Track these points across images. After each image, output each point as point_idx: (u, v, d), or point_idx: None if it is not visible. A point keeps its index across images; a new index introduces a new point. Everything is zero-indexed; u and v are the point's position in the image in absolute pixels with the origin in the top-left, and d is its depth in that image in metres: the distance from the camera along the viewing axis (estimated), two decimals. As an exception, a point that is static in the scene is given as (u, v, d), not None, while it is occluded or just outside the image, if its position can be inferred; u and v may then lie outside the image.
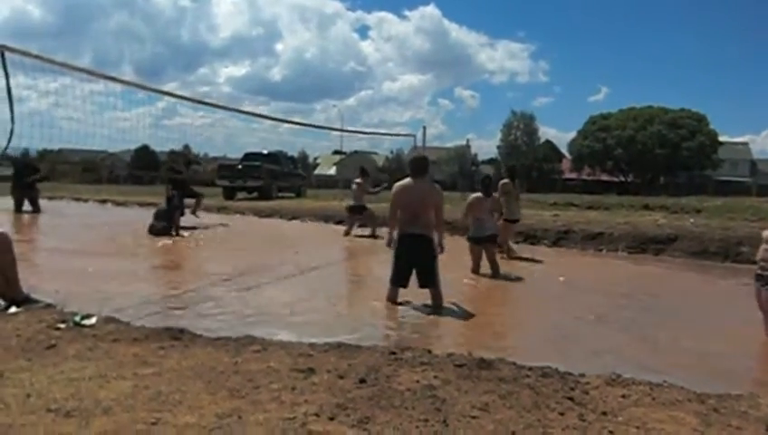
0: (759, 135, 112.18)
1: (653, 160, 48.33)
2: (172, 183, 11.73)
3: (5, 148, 5.60)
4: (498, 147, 57.20)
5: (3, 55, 5.40)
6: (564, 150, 57.54)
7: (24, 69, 5.73)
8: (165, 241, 10.29)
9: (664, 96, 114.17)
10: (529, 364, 3.47)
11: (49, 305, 4.70)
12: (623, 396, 3.00)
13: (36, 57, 5.88)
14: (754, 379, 4.38)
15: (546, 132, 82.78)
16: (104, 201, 20.19)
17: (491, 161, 60.32)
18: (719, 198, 22.64)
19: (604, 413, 2.77)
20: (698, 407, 2.92)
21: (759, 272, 4.90)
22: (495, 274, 7.67)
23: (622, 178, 51.68)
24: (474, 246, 7.89)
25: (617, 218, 12.82)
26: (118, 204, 19.49)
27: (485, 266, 7.77)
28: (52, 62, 6.17)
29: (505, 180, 9.46)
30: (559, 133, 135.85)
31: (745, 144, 61.47)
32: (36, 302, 4.71)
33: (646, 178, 49.80)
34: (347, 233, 11.93)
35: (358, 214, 12.05)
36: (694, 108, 50.92)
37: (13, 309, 4.41)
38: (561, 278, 7.60)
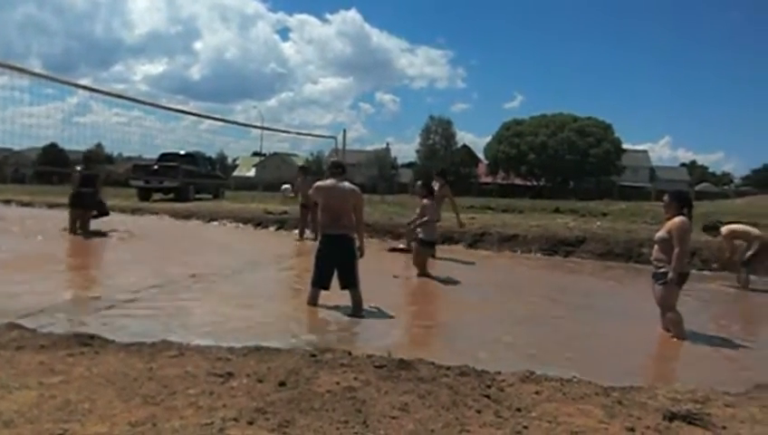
0: (657, 144, 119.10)
1: (563, 166, 50.41)
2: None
3: None
4: (417, 151, 58.00)
5: None
6: (481, 155, 59.07)
7: None
8: (81, 241, 9.85)
9: (574, 104, 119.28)
10: (447, 364, 3.55)
11: None
12: (536, 392, 3.12)
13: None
14: (653, 371, 4.68)
15: (463, 137, 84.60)
16: (8, 201, 19.06)
17: (410, 165, 61.11)
18: (623, 203, 23.93)
19: (518, 409, 2.87)
20: (604, 400, 3.09)
21: (653, 270, 5.46)
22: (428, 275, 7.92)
23: (535, 183, 53.58)
24: (427, 250, 8.16)
25: (530, 221, 13.31)
26: (24, 204, 18.46)
27: (412, 269, 7.94)
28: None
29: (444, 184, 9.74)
30: (475, 138, 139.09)
31: (645, 152, 65.12)
32: None
33: (556, 182, 51.87)
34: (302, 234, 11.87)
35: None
36: (600, 116, 53.69)
37: None
38: (479, 279, 7.81)
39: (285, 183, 14.24)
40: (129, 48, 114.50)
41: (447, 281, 7.63)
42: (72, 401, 2.67)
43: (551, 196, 40.33)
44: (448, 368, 3.47)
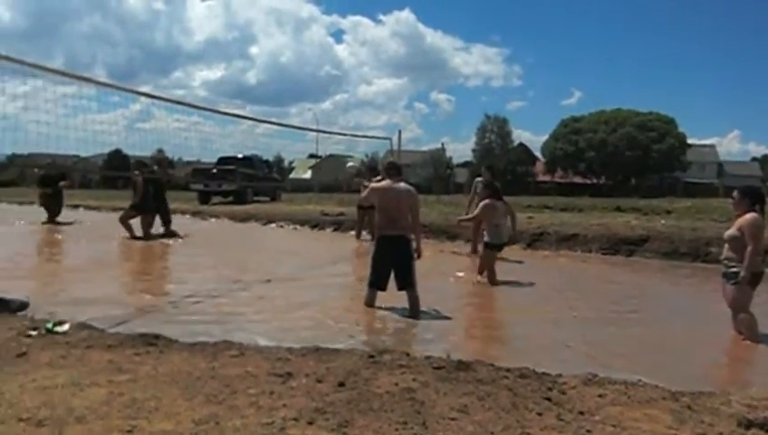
0: (725, 138, 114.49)
1: (624, 162, 49.08)
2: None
3: None
4: (473, 150, 57.56)
5: None
6: (538, 153, 58.16)
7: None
8: (142, 244, 10.17)
9: (634, 99, 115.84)
10: (507, 366, 3.49)
11: (22, 306, 4.67)
12: (600, 395, 3.03)
13: (6, 58, 5.75)
14: (725, 375, 4.48)
15: (520, 135, 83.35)
16: (77, 206, 19.86)
17: (466, 164, 60.66)
18: (688, 200, 23.11)
19: (581, 413, 2.79)
20: (672, 405, 2.97)
21: (724, 270, 5.21)
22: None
23: (594, 181, 52.36)
24: (491, 253, 7.63)
25: (590, 220, 12.98)
26: (91, 208, 19.20)
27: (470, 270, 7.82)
28: (22, 63, 6.04)
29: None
30: (532, 136, 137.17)
31: (712, 147, 62.72)
32: (9, 302, 4.72)
33: (617, 180, 50.55)
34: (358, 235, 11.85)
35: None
36: (663, 111, 51.94)
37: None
38: (538, 280, 7.66)
39: (351, 163, 14.12)
40: (188, 55, 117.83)
41: (506, 282, 7.51)
42: (139, 399, 2.75)
43: (611, 194, 39.35)
44: (508, 370, 3.41)
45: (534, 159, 58.46)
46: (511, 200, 10.26)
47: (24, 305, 4.75)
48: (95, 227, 12.60)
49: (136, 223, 11.02)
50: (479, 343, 5.01)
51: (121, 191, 25.19)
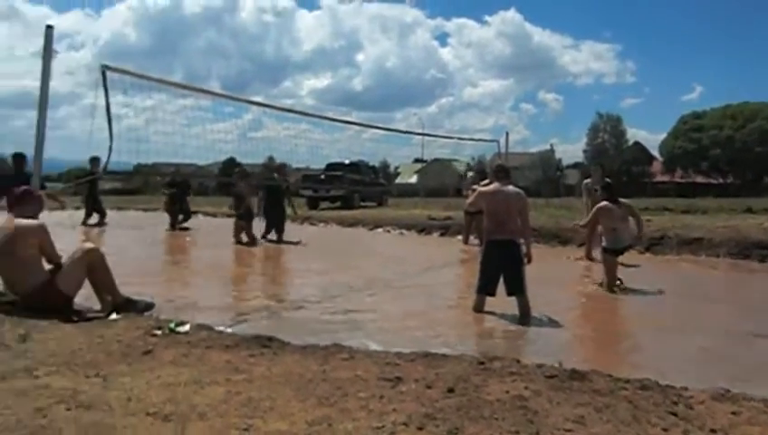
0: None
1: (755, 160, 45.52)
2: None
3: (106, 163, 5.95)
4: (584, 151, 55.57)
5: (104, 74, 5.75)
6: (655, 152, 55.20)
7: (122, 88, 6.08)
8: (255, 249, 10.59)
9: (763, 92, 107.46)
10: (625, 377, 3.31)
11: (148, 307, 5.01)
12: (734, 413, 2.79)
13: (134, 75, 6.22)
14: None
15: (635, 134, 79.25)
16: (195, 213, 20.96)
17: (576, 166, 58.66)
18: (830, 199, 21.05)
19: (713, 431, 2.58)
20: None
21: None
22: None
23: (720, 180, 48.96)
24: (611, 258, 7.27)
25: (716, 223, 12.13)
26: (208, 214, 20.18)
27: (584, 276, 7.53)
28: (148, 79, 6.51)
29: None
30: (649, 135, 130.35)
31: None
32: (136, 303, 5.02)
33: (746, 178, 46.95)
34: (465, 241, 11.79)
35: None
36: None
37: (113, 316, 4.63)
38: (660, 286, 7.22)
39: (471, 174, 13.94)
40: (297, 64, 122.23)
41: (624, 288, 7.16)
42: (255, 399, 2.84)
43: (739, 194, 36.61)
44: (627, 381, 3.22)
45: (651, 158, 55.48)
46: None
47: (149, 306, 5.06)
48: (212, 233, 13.25)
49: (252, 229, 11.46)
50: (594, 351, 4.79)
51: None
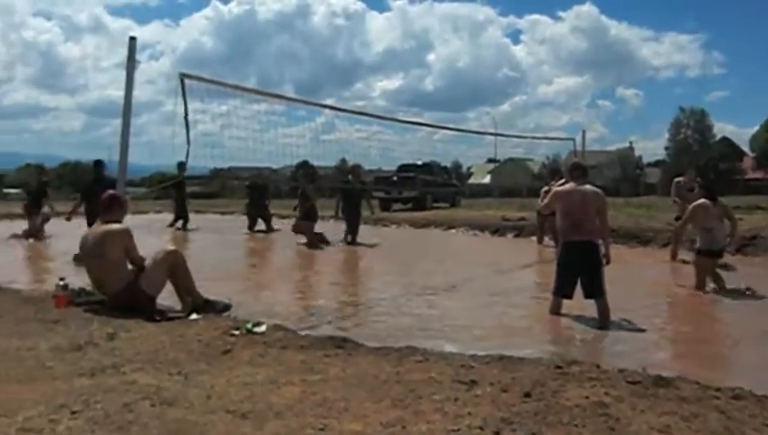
0: None
1: None
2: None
3: (183, 168, 6.17)
4: (666, 148, 53.33)
5: (182, 82, 5.96)
6: (745, 148, 52.32)
7: (199, 95, 6.31)
8: (328, 251, 10.72)
9: None
10: (715, 385, 3.13)
11: (225, 308, 5.16)
12: (836, 426, 2.60)
13: (210, 82, 6.43)
14: None
15: (722, 129, 75.62)
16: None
17: (657, 163, 56.46)
18: None
19: (813, 445, 2.41)
20: None
21: None
22: (720, 287, 6.89)
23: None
24: (704, 260, 6.96)
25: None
26: (281, 217, 20.56)
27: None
28: (224, 85, 6.72)
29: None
30: (738, 129, 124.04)
31: None
32: (215, 304, 5.18)
33: None
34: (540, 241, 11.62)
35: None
36: None
37: (193, 316, 4.79)
38: (753, 290, 6.79)
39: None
40: (368, 67, 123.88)
41: (714, 291, 6.82)
42: (330, 399, 2.86)
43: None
44: (718, 389, 3.04)
45: (741, 154, 52.61)
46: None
47: (227, 307, 5.20)
48: (287, 236, 13.50)
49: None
50: (679, 357, 4.58)
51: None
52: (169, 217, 15.77)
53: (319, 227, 11.74)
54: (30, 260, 9.95)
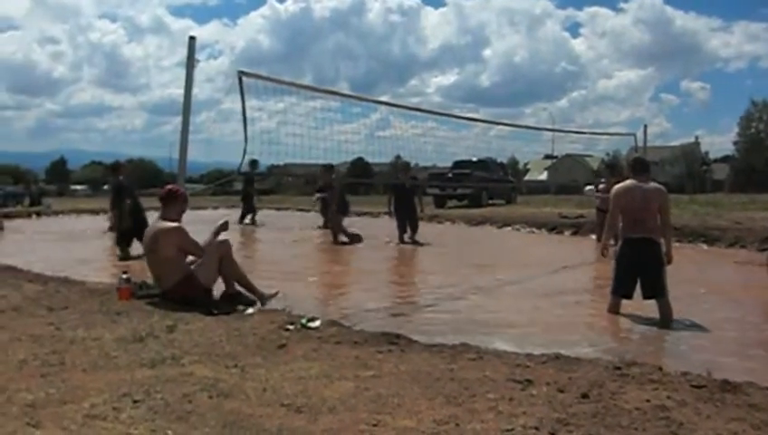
0: None
1: None
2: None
3: (240, 165, 6.28)
4: (735, 142, 51.19)
5: (240, 80, 6.07)
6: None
7: (256, 92, 6.40)
8: (383, 249, 10.73)
9: None
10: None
11: (251, 303, 5.20)
12: None
13: (267, 79, 6.53)
14: None
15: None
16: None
17: (725, 159, 54.29)
18: None
19: None
20: None
21: None
22: None
23: None
24: None
25: None
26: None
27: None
28: (280, 83, 6.81)
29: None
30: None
31: None
32: (242, 297, 5.28)
33: None
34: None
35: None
36: None
37: (249, 310, 4.87)
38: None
39: (588, 184, 13.45)
40: (423, 62, 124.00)
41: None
42: (383, 395, 2.87)
43: None
44: (790, 396, 2.91)
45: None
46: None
47: (252, 303, 5.21)
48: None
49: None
50: (746, 361, 4.36)
51: (362, 197, 26.87)
52: (226, 213, 16.13)
53: (374, 224, 11.73)
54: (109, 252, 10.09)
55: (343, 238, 11.39)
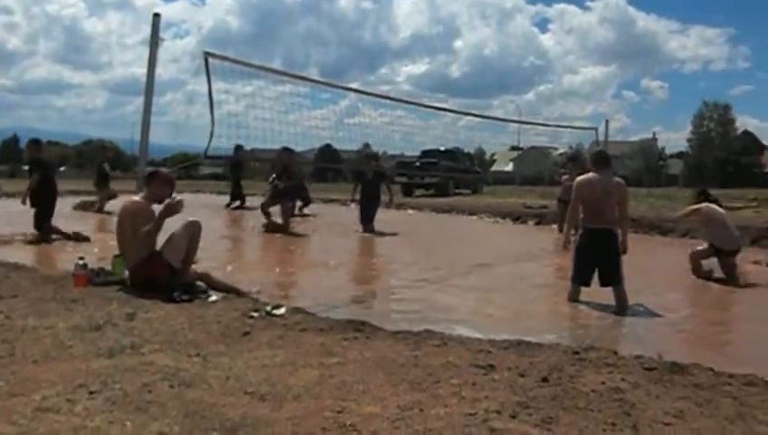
0: None
1: None
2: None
3: (206, 149, 6.16)
4: (688, 140, 52.70)
5: (207, 61, 5.94)
6: (767, 142, 51.62)
7: (223, 75, 6.30)
8: (347, 237, 10.72)
9: None
10: (729, 371, 3.13)
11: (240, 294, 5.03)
12: None
13: (234, 62, 6.43)
14: None
15: (746, 122, 74.44)
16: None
17: (680, 155, 55.72)
18: None
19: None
20: None
21: None
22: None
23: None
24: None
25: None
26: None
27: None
28: (248, 66, 6.70)
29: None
30: (761, 123, 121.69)
31: None
32: (198, 288, 5.01)
33: None
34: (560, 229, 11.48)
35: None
36: None
37: (213, 297, 4.77)
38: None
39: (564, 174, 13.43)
40: (394, 51, 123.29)
41: (731, 282, 6.74)
42: (348, 382, 2.89)
43: None
44: (731, 376, 3.05)
45: (762, 147, 51.95)
46: (734, 193, 9.19)
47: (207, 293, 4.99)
48: (311, 220, 13.53)
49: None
50: (694, 344, 4.56)
51: (330, 184, 26.70)
52: (196, 197, 15.94)
53: (340, 211, 11.62)
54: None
55: (285, 225, 10.62)
